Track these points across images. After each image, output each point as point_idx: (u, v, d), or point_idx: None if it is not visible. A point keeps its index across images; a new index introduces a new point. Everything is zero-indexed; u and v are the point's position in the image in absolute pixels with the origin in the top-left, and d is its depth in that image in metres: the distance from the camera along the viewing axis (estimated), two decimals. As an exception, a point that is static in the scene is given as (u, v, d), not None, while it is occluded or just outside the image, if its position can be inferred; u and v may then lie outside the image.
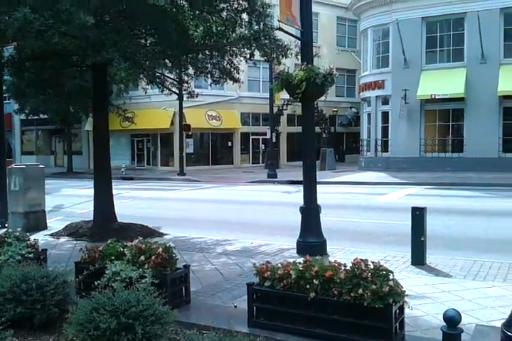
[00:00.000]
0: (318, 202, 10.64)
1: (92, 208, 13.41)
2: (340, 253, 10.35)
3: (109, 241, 7.39)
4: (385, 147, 37.34)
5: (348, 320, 5.66)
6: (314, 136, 10.81)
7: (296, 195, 21.85)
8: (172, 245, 7.21)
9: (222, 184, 30.08)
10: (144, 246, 7.01)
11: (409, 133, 35.47)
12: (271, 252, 10.68)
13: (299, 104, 10.48)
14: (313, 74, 9.50)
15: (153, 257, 6.81)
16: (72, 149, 44.60)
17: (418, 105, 35.02)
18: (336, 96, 49.86)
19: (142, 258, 6.81)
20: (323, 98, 10.32)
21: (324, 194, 17.41)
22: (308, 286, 5.86)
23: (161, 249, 6.94)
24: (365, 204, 19.58)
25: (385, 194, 22.77)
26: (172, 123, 41.57)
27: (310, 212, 10.41)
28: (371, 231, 13.62)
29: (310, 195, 10.45)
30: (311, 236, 10.33)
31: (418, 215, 9.25)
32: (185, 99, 28.02)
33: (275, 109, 40.25)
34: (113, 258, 6.93)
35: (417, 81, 34.27)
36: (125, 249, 7.02)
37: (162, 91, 17.87)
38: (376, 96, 37.87)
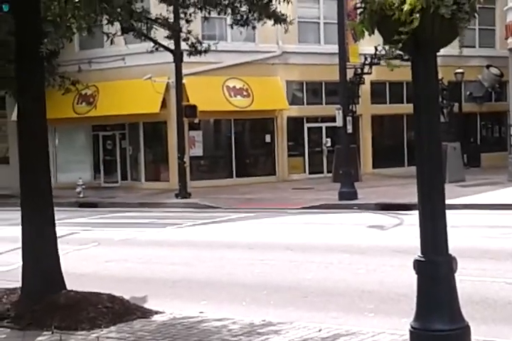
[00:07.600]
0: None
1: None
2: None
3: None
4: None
5: None
6: (438, 121, 6.67)
7: (396, 232, 15.16)
8: None
9: (257, 213, 20.02)
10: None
11: None
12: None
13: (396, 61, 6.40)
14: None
15: None
16: None
17: None
18: (461, 46, 31.54)
19: None
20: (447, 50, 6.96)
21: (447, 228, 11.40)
22: None
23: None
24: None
25: None
26: (164, 105, 26.59)
27: (436, 270, 6.51)
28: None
29: (434, 237, 6.56)
30: (439, 319, 6.37)
31: None
32: (186, 58, 20.33)
33: (349, 74, 24.63)
34: None
35: None
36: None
37: (153, 43, 12.33)
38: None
